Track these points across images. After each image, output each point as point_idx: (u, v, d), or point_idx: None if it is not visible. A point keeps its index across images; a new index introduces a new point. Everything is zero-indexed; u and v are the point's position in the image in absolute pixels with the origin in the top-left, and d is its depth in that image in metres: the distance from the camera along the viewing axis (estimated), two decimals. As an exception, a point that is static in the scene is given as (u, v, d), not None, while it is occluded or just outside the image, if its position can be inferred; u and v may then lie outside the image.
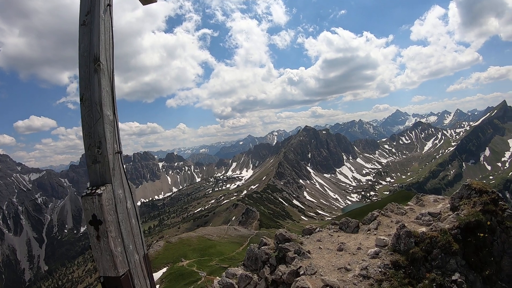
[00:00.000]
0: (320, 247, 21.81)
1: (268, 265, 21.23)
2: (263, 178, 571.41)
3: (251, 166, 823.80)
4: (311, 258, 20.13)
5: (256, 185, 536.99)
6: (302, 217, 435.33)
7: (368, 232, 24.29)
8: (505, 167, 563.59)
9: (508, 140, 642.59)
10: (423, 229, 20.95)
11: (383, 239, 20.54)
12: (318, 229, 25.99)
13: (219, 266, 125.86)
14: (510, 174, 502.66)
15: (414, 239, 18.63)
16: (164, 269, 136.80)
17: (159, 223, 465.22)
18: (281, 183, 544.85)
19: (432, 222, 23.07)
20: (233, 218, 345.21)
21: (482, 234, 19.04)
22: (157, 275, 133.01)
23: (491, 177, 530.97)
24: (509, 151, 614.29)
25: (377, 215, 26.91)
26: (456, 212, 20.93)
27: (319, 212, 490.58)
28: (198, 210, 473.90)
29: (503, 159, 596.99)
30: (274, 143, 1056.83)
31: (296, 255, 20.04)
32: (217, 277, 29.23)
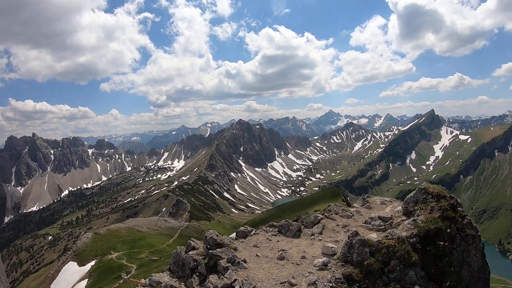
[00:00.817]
0: (258, 254, 20.29)
1: (197, 274, 19.14)
2: (195, 170, 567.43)
3: (183, 156, 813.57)
4: (247, 268, 18.43)
5: (188, 176, 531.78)
6: (232, 209, 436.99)
7: (312, 237, 22.81)
8: (429, 170, 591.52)
9: (434, 146, 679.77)
10: (375, 235, 19.66)
11: (331, 247, 19.23)
12: (254, 231, 24.57)
13: (149, 259, 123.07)
14: (433, 177, 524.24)
15: (369, 248, 17.15)
16: (93, 262, 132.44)
17: (87, 213, 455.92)
18: (213, 175, 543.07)
19: (382, 227, 22.16)
20: (164, 209, 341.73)
21: (442, 243, 18.07)
22: (85, 269, 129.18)
23: (415, 179, 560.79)
24: (433, 155, 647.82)
25: (321, 218, 25.63)
26: (412, 218, 19.62)
27: (250, 205, 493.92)
28: (127, 200, 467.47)
29: (427, 162, 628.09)
30: (207, 134, 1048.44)
31: (229, 264, 18.25)
32: (142, 280, 26.38)
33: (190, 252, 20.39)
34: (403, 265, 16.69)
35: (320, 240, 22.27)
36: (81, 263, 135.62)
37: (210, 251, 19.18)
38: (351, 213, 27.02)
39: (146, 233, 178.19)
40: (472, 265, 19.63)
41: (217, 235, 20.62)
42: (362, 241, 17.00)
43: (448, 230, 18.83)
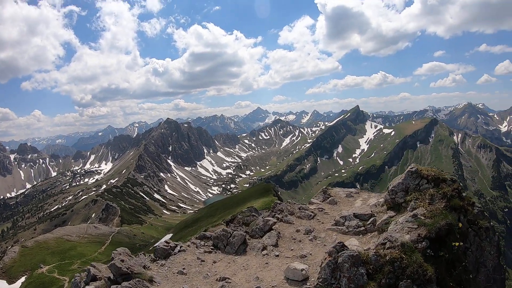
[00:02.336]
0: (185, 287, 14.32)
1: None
2: (123, 172, 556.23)
3: (110, 158, 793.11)
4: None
5: (116, 179, 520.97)
6: (164, 211, 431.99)
7: (265, 252, 17.55)
8: (356, 163, 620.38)
9: (359, 139, 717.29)
10: (355, 242, 15.47)
11: (300, 269, 13.87)
12: (179, 247, 18.41)
13: (82, 270, 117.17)
14: (360, 168, 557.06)
15: (365, 267, 11.90)
16: (23, 279, 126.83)
17: (13, 225, 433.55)
18: (142, 176, 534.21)
19: (362, 228, 18.04)
20: (93, 215, 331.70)
21: (458, 244, 13.55)
22: (15, 287, 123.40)
23: (343, 171, 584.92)
24: (359, 148, 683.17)
25: (274, 222, 20.29)
26: (411, 214, 14.88)
27: (181, 205, 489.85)
28: (55, 208, 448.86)
29: (353, 155, 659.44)
30: (135, 135, 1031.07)
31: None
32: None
33: (89, 286, 14.06)
34: (416, 286, 11.77)
35: (278, 256, 16.99)
36: (11, 281, 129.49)
37: (113, 286, 12.99)
38: (312, 212, 22.11)
39: (76, 242, 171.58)
40: (487, 266, 15.64)
41: (123, 260, 14.07)
42: (354, 257, 11.68)
43: (460, 225, 14.48)
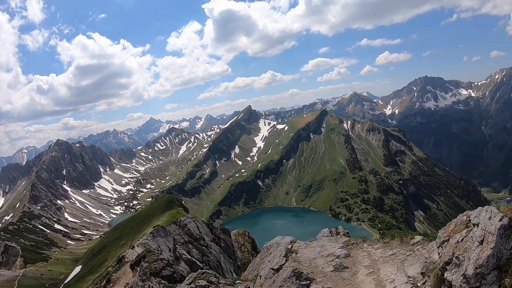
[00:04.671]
0: None
1: None
2: (17, 205, 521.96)
3: (1, 192, 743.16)
4: None
5: (11, 215, 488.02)
6: (68, 241, 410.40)
7: None
8: (254, 161, 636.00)
9: (254, 138, 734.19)
10: None
11: None
12: None
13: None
14: (259, 166, 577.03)
15: None
16: None
17: None
18: (38, 207, 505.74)
19: None
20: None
21: None
22: None
23: (243, 170, 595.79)
24: (256, 146, 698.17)
25: None
26: None
27: (85, 232, 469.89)
28: None
29: (251, 154, 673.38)
30: (25, 162, 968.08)
31: None
32: None
33: None
34: None
35: None
36: None
37: None
38: None
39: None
40: None
41: None
42: None
43: None
